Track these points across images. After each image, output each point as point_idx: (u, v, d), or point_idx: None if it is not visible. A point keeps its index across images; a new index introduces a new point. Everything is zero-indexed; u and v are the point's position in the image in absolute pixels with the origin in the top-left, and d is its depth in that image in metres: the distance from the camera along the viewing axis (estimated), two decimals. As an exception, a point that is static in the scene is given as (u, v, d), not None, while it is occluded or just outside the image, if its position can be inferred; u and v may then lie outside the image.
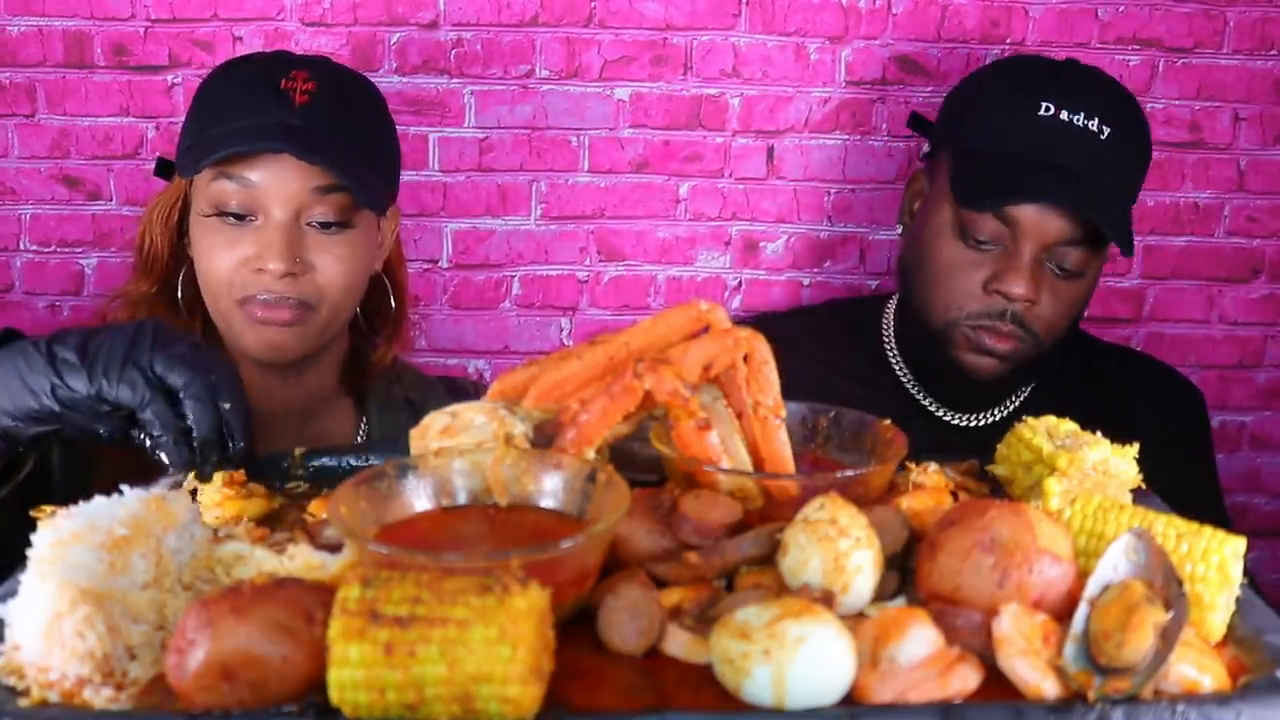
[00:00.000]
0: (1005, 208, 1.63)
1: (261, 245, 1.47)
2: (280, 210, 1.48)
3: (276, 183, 1.47)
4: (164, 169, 1.61)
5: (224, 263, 1.49)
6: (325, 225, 1.50)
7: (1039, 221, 1.62)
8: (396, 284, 1.69)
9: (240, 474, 1.19)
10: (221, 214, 1.49)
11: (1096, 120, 1.65)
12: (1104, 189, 1.65)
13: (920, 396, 1.82)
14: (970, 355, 1.69)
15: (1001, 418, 1.82)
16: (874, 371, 1.85)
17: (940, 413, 1.82)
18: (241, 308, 1.50)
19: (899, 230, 1.86)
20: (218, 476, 1.18)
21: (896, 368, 1.85)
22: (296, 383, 1.61)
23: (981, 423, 1.82)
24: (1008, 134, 1.67)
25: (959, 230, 1.68)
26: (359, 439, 1.68)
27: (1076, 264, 1.66)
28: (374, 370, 1.69)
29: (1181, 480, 1.20)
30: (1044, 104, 1.65)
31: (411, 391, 1.74)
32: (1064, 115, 1.64)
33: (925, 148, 1.89)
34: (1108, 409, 1.43)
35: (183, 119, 1.60)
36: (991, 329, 1.67)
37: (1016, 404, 1.83)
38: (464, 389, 1.81)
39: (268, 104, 1.48)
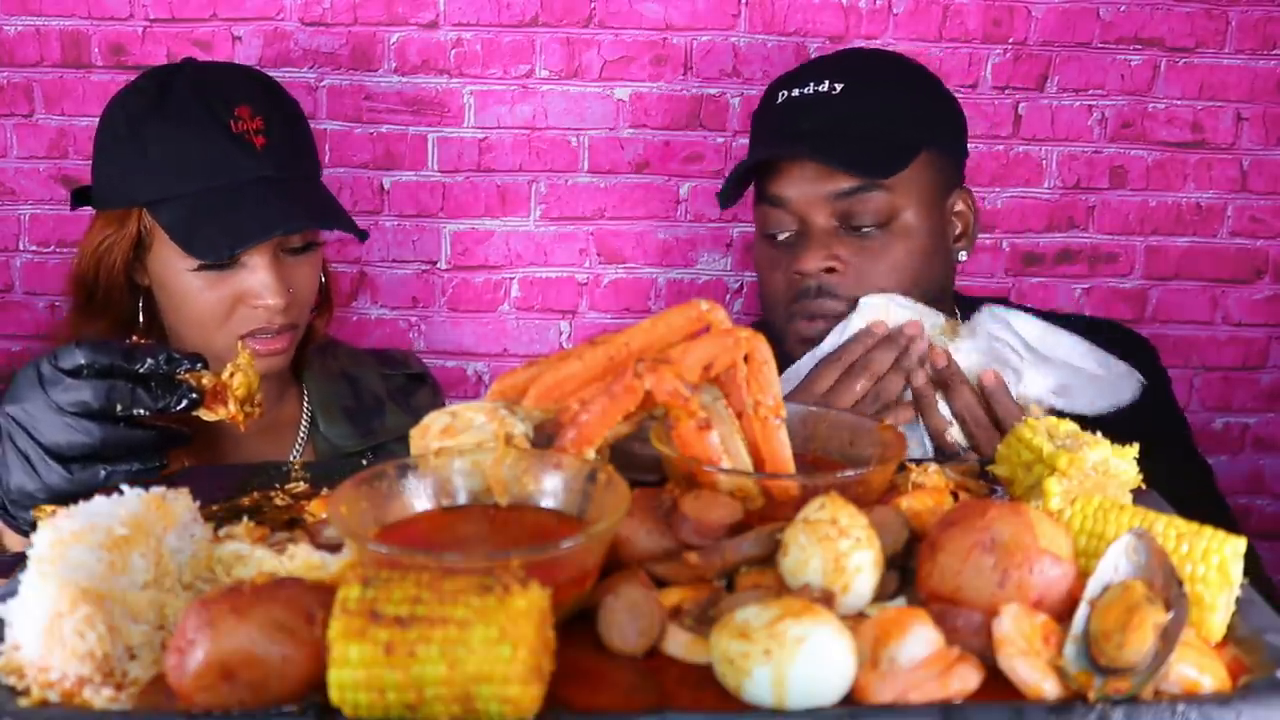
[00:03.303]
0: (772, 189, 1.67)
1: (256, 283, 1.52)
2: (264, 251, 1.52)
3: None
4: (81, 198, 1.62)
5: (215, 304, 1.52)
6: (296, 251, 1.57)
7: (801, 191, 1.65)
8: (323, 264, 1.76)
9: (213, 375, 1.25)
10: (207, 266, 1.51)
11: (826, 83, 1.68)
12: (846, 133, 1.65)
13: None
14: (800, 349, 1.66)
15: None
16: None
17: None
18: (240, 340, 1.52)
19: None
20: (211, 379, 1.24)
21: None
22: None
23: None
24: (753, 132, 1.76)
25: (763, 234, 1.72)
26: (304, 412, 1.73)
27: (874, 216, 1.64)
28: (310, 340, 1.73)
29: (1148, 433, 1.17)
30: (780, 94, 1.72)
31: (346, 365, 1.79)
32: (795, 93, 1.70)
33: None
34: None
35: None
36: (808, 311, 1.65)
37: None
38: (393, 359, 1.86)
39: (232, 155, 1.50)
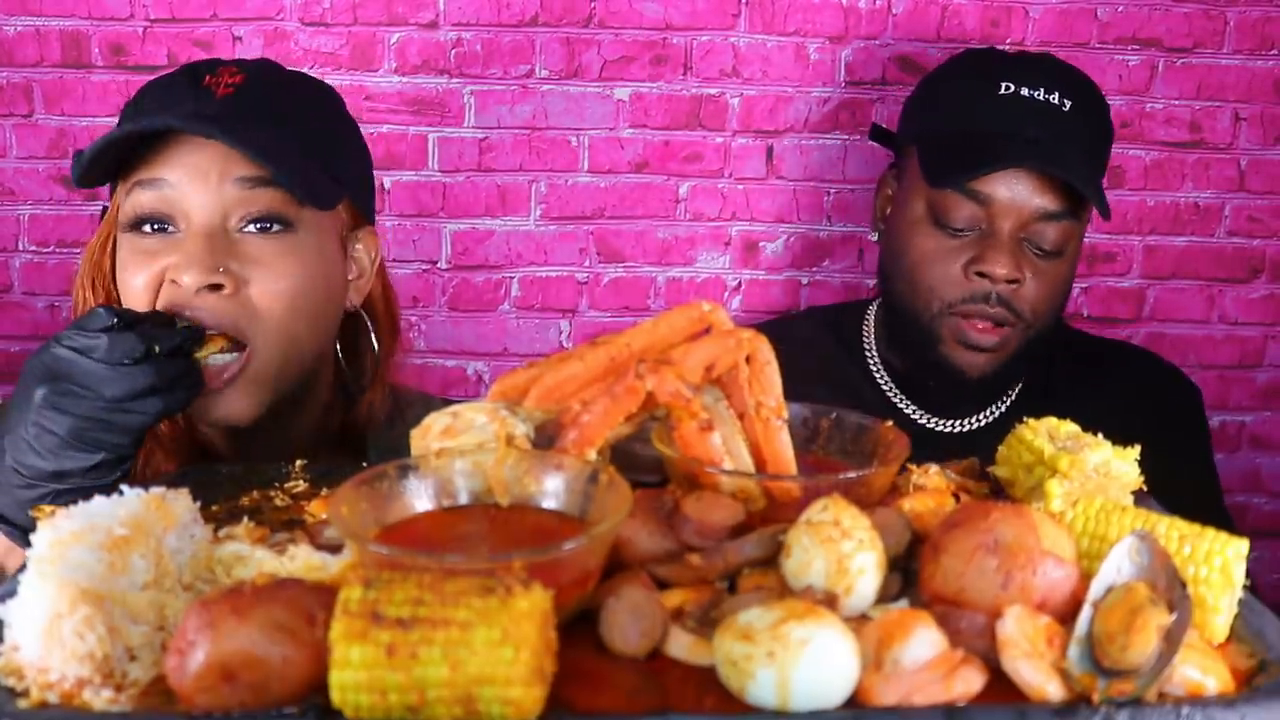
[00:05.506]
0: (977, 184, 1.62)
1: (179, 254, 1.30)
2: (201, 211, 1.30)
3: (194, 179, 1.30)
4: None
5: (139, 280, 1.31)
6: (261, 226, 1.32)
7: (1012, 198, 1.63)
8: (385, 320, 1.51)
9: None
10: (138, 225, 1.33)
11: (1057, 94, 1.66)
12: (1073, 153, 1.65)
13: (902, 403, 1.80)
14: (959, 352, 1.67)
15: (987, 422, 1.79)
16: (854, 379, 1.83)
17: (923, 419, 1.80)
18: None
19: (874, 237, 1.85)
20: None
21: (877, 374, 1.83)
22: (261, 441, 1.41)
23: (967, 427, 1.80)
24: (972, 114, 1.68)
25: (934, 219, 1.67)
26: None
27: (1055, 243, 1.65)
28: (366, 423, 1.50)
29: (1178, 476, 1.18)
30: (1004, 84, 1.67)
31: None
32: (1024, 91, 1.66)
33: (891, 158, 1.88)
34: (1097, 410, 1.43)
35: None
36: (979, 314, 1.65)
37: (1003, 408, 1.80)
38: None
39: (184, 99, 1.32)
